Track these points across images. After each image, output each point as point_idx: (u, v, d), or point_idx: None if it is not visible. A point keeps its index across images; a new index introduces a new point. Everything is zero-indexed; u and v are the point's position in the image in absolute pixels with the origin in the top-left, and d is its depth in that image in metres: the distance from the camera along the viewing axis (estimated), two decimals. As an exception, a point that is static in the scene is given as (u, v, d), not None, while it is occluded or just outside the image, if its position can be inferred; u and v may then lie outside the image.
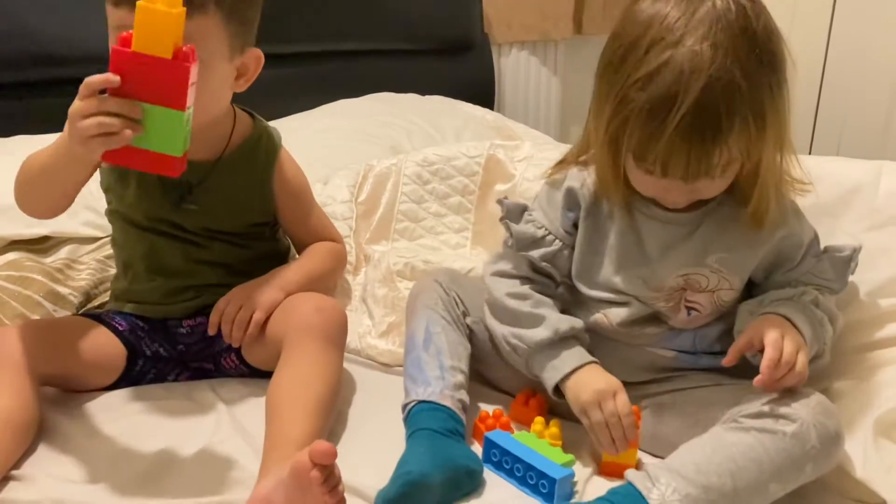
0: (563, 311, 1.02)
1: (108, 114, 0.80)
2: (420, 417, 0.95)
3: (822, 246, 1.01)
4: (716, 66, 0.82)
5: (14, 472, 0.89)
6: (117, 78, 0.80)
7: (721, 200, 0.96)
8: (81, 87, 0.82)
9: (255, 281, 1.09)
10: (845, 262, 1.00)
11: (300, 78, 1.93)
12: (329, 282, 1.21)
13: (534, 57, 2.32)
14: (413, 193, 1.45)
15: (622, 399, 0.92)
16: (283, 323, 1.04)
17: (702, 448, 0.86)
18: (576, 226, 1.02)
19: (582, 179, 1.01)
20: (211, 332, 1.07)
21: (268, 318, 1.06)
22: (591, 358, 0.97)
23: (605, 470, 0.94)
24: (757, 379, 0.86)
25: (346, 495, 0.85)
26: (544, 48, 2.32)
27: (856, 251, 1.00)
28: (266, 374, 1.02)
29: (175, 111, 0.80)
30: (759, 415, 0.86)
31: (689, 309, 0.98)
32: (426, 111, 1.84)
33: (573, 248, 1.02)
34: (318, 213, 1.23)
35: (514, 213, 1.04)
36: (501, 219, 1.05)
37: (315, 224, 1.21)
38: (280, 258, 1.20)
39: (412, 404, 0.97)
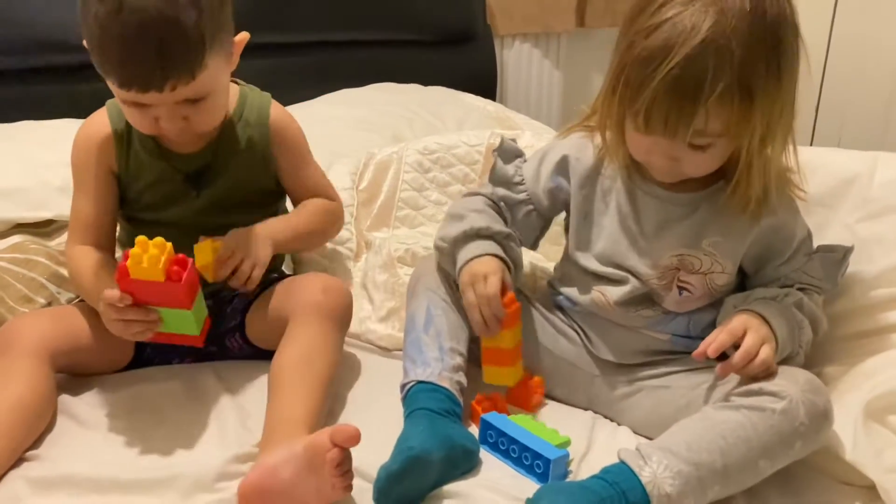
0: (561, 285, 1.07)
1: (130, 320, 0.93)
2: (418, 398, 0.97)
3: (815, 246, 1.02)
4: (714, 30, 0.85)
5: (28, 453, 0.92)
6: (128, 297, 0.92)
7: (721, 186, 0.97)
8: (102, 298, 0.94)
9: (249, 230, 1.07)
10: (836, 262, 1.01)
11: (303, 67, 1.94)
12: (320, 239, 1.22)
13: (536, 49, 2.32)
14: (414, 181, 1.46)
15: (492, 281, 0.97)
16: (288, 301, 1.05)
17: (693, 427, 0.87)
18: (553, 193, 1.05)
19: (581, 149, 1.03)
20: (217, 278, 1.02)
21: (271, 294, 1.08)
22: (495, 251, 1.00)
23: (485, 357, 1.01)
24: (719, 367, 0.90)
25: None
26: (546, 41, 2.33)
27: (847, 252, 1.01)
28: (268, 355, 1.03)
29: (182, 310, 0.93)
30: (748, 392, 0.88)
31: (681, 289, 0.99)
32: (428, 101, 1.84)
33: (538, 212, 1.07)
34: (316, 168, 1.20)
35: (507, 153, 1.09)
36: (494, 150, 1.10)
37: (312, 178, 1.18)
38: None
39: (411, 384, 0.98)
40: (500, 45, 2.26)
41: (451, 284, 1.06)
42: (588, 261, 1.04)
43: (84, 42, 0.98)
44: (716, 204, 0.98)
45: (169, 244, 0.91)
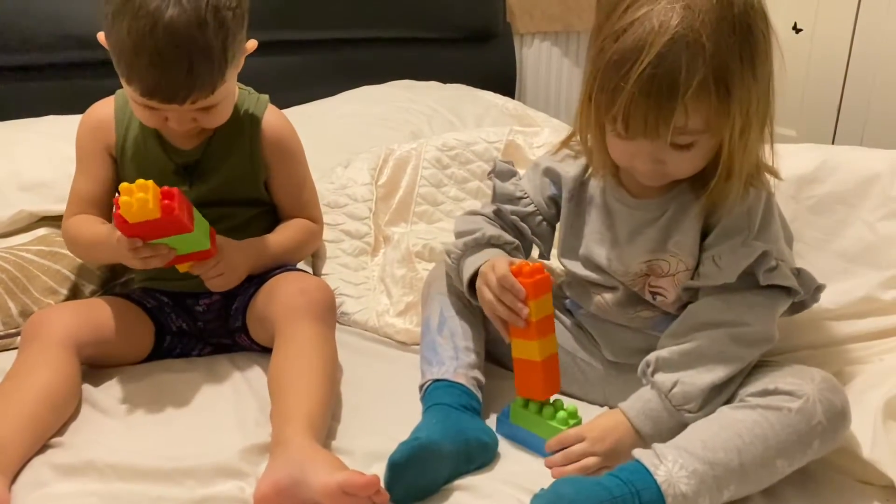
0: (567, 289, 1.07)
1: (146, 257, 1.00)
2: (435, 394, 0.97)
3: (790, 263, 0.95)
4: (683, 26, 0.84)
5: (52, 440, 0.93)
6: (137, 240, 0.98)
7: (686, 187, 0.96)
8: (118, 244, 0.99)
9: (240, 252, 1.10)
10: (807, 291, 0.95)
11: (323, 64, 1.96)
12: (292, 262, 1.20)
13: (556, 48, 2.32)
14: (432, 177, 1.47)
15: (499, 264, 0.95)
16: (270, 306, 1.06)
17: (708, 425, 0.87)
18: (554, 199, 1.07)
19: (570, 165, 1.05)
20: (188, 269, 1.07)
21: (261, 296, 1.10)
22: (503, 254, 1.00)
23: (517, 370, 0.95)
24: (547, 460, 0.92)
25: (363, 457, 0.88)
26: (566, 39, 2.33)
27: (819, 288, 0.95)
28: None
29: (186, 234, 0.99)
30: (764, 392, 0.87)
31: (653, 294, 1.00)
32: (447, 98, 1.85)
33: (546, 220, 1.08)
34: (306, 183, 1.21)
35: (503, 173, 1.11)
36: (489, 174, 1.11)
37: (299, 191, 1.19)
38: None
39: (427, 384, 1.00)
40: (520, 43, 2.27)
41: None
42: (575, 267, 1.05)
43: (105, 44, 1.01)
44: (681, 203, 0.97)
45: (151, 182, 0.93)
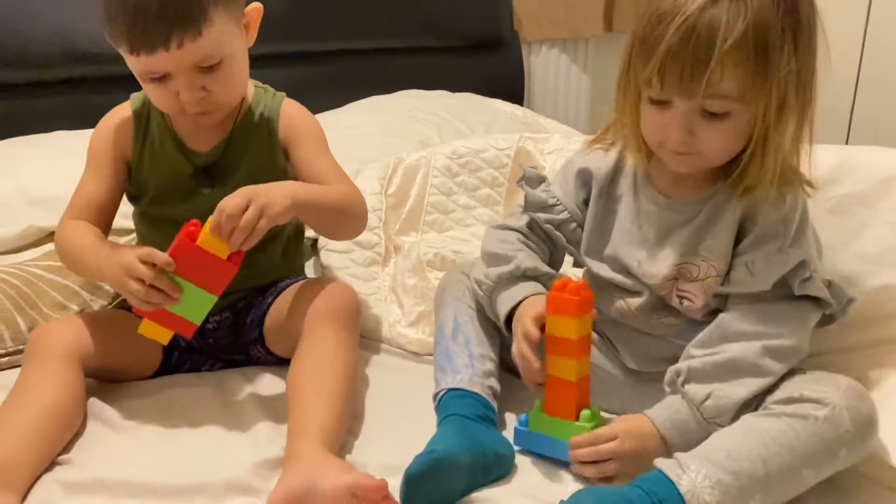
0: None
1: (154, 287, 0.92)
2: (450, 404, 0.96)
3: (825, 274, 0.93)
4: None
5: (61, 458, 0.92)
6: (172, 264, 0.92)
7: (721, 187, 0.94)
8: (145, 255, 0.93)
9: (264, 185, 0.97)
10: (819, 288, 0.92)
11: (331, 75, 1.95)
12: (341, 218, 1.09)
13: (563, 54, 2.31)
14: (442, 185, 1.46)
15: (529, 313, 0.93)
16: (294, 311, 1.04)
17: (732, 434, 0.84)
18: (586, 202, 1.04)
19: (598, 160, 1.03)
20: (213, 233, 0.93)
21: (282, 304, 1.07)
22: (542, 290, 0.98)
23: (549, 388, 0.93)
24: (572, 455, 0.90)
25: (378, 470, 0.86)
26: (574, 46, 2.32)
27: (850, 301, 0.94)
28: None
29: (211, 295, 0.95)
30: (789, 400, 0.85)
31: (681, 298, 0.97)
32: (456, 107, 1.84)
33: (580, 226, 1.05)
34: (333, 163, 1.12)
35: (532, 179, 1.08)
36: (519, 180, 1.08)
37: (327, 170, 1.10)
38: (297, 247, 1.20)
39: (442, 393, 0.98)
40: (528, 51, 2.26)
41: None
42: (600, 268, 1.02)
43: (99, 21, 0.99)
44: (715, 206, 0.95)
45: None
